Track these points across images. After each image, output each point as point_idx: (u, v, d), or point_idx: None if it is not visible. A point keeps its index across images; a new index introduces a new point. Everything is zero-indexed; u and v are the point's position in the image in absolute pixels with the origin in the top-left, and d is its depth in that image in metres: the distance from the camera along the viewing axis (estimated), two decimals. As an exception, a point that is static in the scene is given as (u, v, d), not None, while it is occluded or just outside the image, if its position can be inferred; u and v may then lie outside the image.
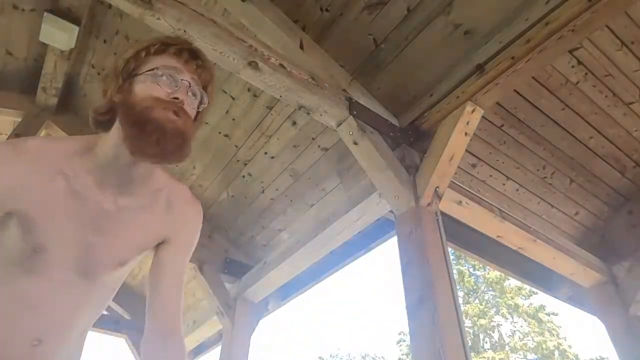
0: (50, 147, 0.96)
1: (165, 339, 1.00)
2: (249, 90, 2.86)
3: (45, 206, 0.91)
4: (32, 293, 0.91)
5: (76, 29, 2.89)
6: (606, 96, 2.70)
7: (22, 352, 0.89)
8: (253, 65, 1.91)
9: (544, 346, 17.42)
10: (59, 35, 2.89)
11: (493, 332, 18.97)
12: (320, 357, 24.13)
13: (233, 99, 2.95)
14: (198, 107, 0.99)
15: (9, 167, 0.90)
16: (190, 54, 0.99)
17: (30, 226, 0.90)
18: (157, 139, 0.87)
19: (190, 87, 0.95)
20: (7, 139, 3.32)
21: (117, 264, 1.01)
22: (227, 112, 3.02)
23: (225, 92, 2.94)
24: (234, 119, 3.04)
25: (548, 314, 18.87)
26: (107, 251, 0.98)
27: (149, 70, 0.94)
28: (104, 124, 0.97)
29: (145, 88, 0.92)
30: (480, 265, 18.64)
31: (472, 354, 17.36)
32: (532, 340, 18.10)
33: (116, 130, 0.94)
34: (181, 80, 0.94)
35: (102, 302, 1.07)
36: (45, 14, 2.80)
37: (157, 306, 1.03)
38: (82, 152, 0.97)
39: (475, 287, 20.09)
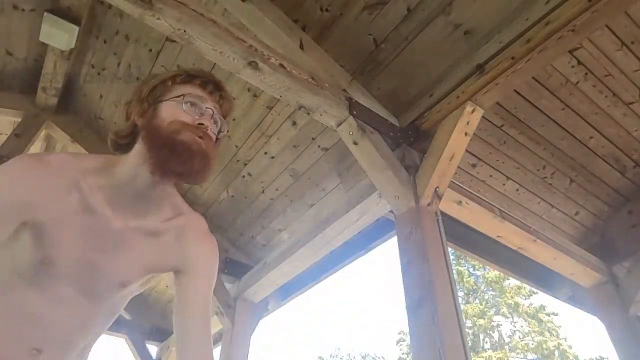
0: (71, 162, 1.00)
1: None
2: (248, 90, 2.86)
3: (58, 219, 0.93)
4: (33, 305, 0.92)
5: (76, 29, 2.89)
6: (606, 96, 2.70)
7: (22, 356, 0.90)
8: (253, 65, 1.91)
9: (544, 346, 17.42)
10: (59, 35, 2.89)
11: (493, 332, 18.98)
12: (320, 357, 24.15)
13: (233, 99, 2.94)
14: (218, 134, 1.08)
15: (33, 179, 0.93)
16: (215, 86, 1.07)
17: (42, 238, 0.91)
18: (185, 158, 0.94)
19: (213, 115, 1.04)
20: (7, 139, 3.31)
21: (119, 284, 1.02)
22: (227, 112, 3.02)
23: (225, 92, 2.94)
24: (234, 119, 3.04)
25: (548, 314, 18.88)
26: (110, 270, 0.99)
27: (177, 97, 1.01)
28: (123, 147, 1.03)
29: (172, 113, 0.99)
30: (480, 265, 18.65)
31: (472, 353, 17.36)
32: (532, 340, 18.10)
33: (137, 152, 1.00)
34: (206, 108, 1.03)
35: (104, 322, 1.06)
36: (45, 14, 2.80)
37: (191, 352, 1.01)
38: (100, 170, 1.00)
39: (475, 287, 20.10)
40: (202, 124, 0.99)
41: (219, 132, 1.08)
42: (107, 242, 0.98)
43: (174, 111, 0.99)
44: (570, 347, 17.85)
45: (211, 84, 1.07)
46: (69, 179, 0.96)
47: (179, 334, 1.04)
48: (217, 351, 3.76)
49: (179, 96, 1.01)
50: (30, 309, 0.92)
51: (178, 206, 1.11)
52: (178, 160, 0.94)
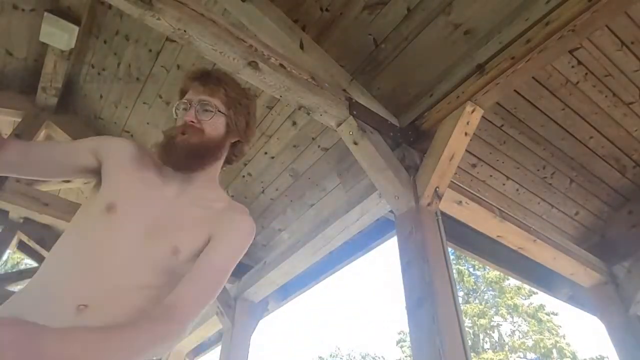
0: (142, 151, 1.21)
1: (155, 316, 0.92)
2: (248, 90, 2.86)
3: (123, 174, 1.12)
4: (87, 253, 0.98)
5: (76, 28, 2.89)
6: (606, 96, 2.71)
7: (68, 312, 0.90)
8: (253, 65, 1.91)
9: (541, 344, 17.43)
10: (59, 35, 2.89)
11: (493, 332, 18.97)
12: (320, 357, 24.14)
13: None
14: (225, 114, 1.21)
15: (103, 141, 1.20)
16: (201, 81, 1.21)
17: (108, 184, 1.10)
18: (168, 152, 1.12)
19: (199, 105, 1.17)
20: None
21: (171, 249, 1.05)
22: (227, 112, 3.02)
23: (225, 92, 2.94)
24: (233, 119, 3.03)
25: (548, 314, 18.88)
26: (163, 230, 1.07)
27: (174, 111, 1.22)
28: None
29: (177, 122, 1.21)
30: (480, 265, 18.65)
31: (472, 353, 17.36)
32: (531, 339, 18.10)
33: None
34: (191, 105, 1.18)
35: (157, 288, 1.00)
36: (46, 14, 2.80)
37: (179, 287, 0.98)
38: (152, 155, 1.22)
39: (475, 287, 20.10)
40: (186, 121, 1.15)
41: (219, 112, 1.19)
42: (160, 205, 1.11)
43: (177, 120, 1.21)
44: (568, 344, 17.85)
45: (196, 80, 1.21)
46: (130, 153, 1.17)
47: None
48: (217, 351, 3.76)
49: (176, 106, 1.22)
50: (83, 257, 0.97)
51: (223, 196, 1.25)
52: (165, 155, 1.13)
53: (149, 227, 1.05)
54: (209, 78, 1.22)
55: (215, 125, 1.18)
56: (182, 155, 1.12)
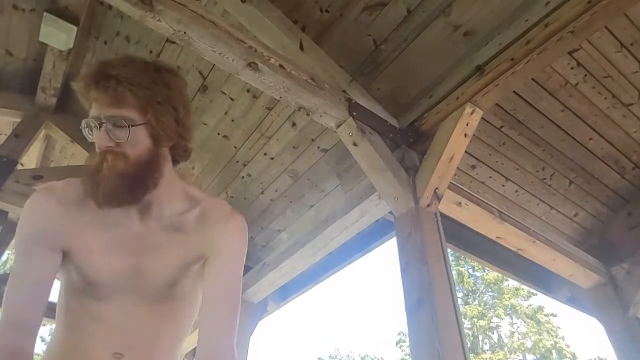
0: (73, 184, 1.01)
1: None
2: (248, 91, 2.86)
3: (82, 241, 0.96)
4: (104, 314, 0.97)
5: (74, 29, 2.89)
6: (605, 98, 2.71)
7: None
8: (253, 66, 1.91)
9: (540, 345, 17.43)
10: (57, 35, 2.89)
11: (492, 333, 18.98)
12: (319, 358, 24.11)
13: (232, 100, 2.95)
14: (143, 123, 0.95)
15: (47, 211, 0.97)
16: (97, 87, 0.92)
17: (77, 261, 0.96)
18: (101, 191, 0.93)
19: (107, 122, 0.93)
20: (7, 139, 3.30)
21: (165, 284, 1.01)
22: (226, 113, 3.02)
23: (225, 93, 2.94)
24: (233, 120, 3.04)
25: (547, 315, 18.89)
26: (151, 272, 1.00)
27: (84, 128, 0.97)
28: None
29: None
30: (480, 267, 18.65)
31: (471, 355, 17.36)
32: (530, 340, 18.11)
33: None
34: (96, 125, 0.93)
35: (179, 322, 1.06)
36: (45, 14, 2.80)
37: (207, 327, 0.97)
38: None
39: (474, 288, 20.10)
40: (99, 147, 0.94)
41: (142, 120, 0.94)
42: (135, 246, 0.99)
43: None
44: (567, 346, 17.86)
45: (90, 87, 0.93)
46: (76, 199, 0.98)
47: (200, 313, 1.02)
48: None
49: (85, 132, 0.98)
50: (104, 317, 0.97)
51: (192, 196, 1.08)
52: (103, 196, 0.93)
53: (137, 282, 0.98)
54: (105, 80, 0.91)
55: (136, 142, 0.94)
56: (116, 191, 0.92)
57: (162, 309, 1.02)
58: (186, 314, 1.08)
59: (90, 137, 0.95)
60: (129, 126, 0.92)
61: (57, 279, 0.99)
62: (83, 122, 0.95)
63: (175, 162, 1.07)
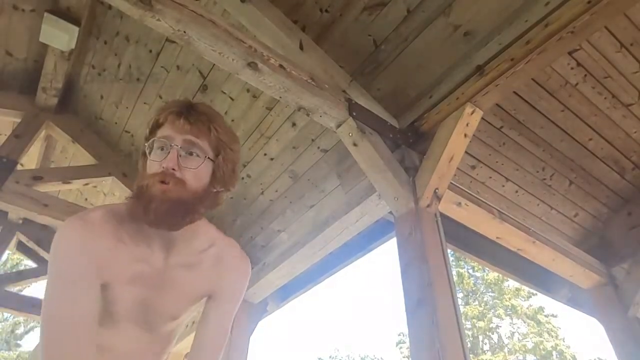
0: (109, 217, 1.00)
1: None
2: (248, 91, 2.86)
3: (115, 273, 0.98)
4: (112, 341, 1.02)
5: (76, 29, 2.89)
6: (605, 98, 2.71)
7: None
8: (252, 66, 1.91)
9: (541, 347, 17.42)
10: (59, 35, 2.89)
11: (492, 334, 18.97)
12: (319, 359, 24.10)
13: (232, 99, 2.95)
14: (214, 160, 1.03)
15: (90, 245, 0.95)
16: (187, 116, 0.99)
17: (105, 292, 0.98)
18: (144, 208, 0.94)
19: (182, 147, 0.98)
20: (7, 139, 3.30)
21: (170, 318, 1.08)
22: (226, 113, 3.02)
23: (224, 93, 2.94)
24: (233, 120, 3.03)
25: (547, 316, 18.88)
26: (160, 307, 1.05)
27: (147, 147, 1.01)
28: None
29: (148, 165, 1.00)
30: (480, 267, 18.64)
31: (471, 355, 17.35)
32: (531, 341, 18.10)
33: None
34: (171, 146, 0.97)
35: (165, 348, 1.14)
36: (46, 14, 2.80)
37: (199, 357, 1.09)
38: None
39: (474, 289, 20.09)
40: (166, 168, 0.95)
41: (208, 158, 1.01)
42: (154, 282, 1.02)
43: (148, 162, 1.00)
44: (568, 347, 17.85)
45: (179, 114, 1.00)
46: (112, 234, 0.98)
47: (194, 341, 1.11)
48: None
49: (149, 145, 1.00)
50: (112, 345, 1.02)
51: (211, 235, 1.14)
52: (139, 211, 0.94)
53: (146, 315, 1.04)
54: (196, 114, 1.00)
55: (200, 175, 1.00)
56: (161, 214, 0.94)
57: (161, 336, 1.10)
58: (176, 334, 1.17)
59: (155, 154, 0.98)
60: (205, 157, 0.99)
61: None
62: (155, 138, 0.99)
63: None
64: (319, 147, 2.92)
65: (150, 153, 0.99)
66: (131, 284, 0.99)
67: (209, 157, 1.01)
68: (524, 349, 17.86)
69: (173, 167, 0.95)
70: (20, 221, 4.42)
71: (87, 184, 3.71)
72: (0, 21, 2.97)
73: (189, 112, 1.00)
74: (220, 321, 1.14)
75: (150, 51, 3.01)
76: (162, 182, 0.94)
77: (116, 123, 3.61)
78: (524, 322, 18.85)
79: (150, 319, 1.05)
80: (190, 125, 0.98)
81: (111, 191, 4.12)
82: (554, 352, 17.47)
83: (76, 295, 0.89)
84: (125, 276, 0.99)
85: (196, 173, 0.98)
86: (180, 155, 0.97)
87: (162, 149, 0.98)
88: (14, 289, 4.88)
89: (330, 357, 24.52)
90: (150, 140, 1.00)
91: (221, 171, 1.04)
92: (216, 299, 1.13)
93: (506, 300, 19.02)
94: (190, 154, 0.98)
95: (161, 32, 1.75)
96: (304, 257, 3.00)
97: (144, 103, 3.33)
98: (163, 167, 0.95)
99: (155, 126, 1.02)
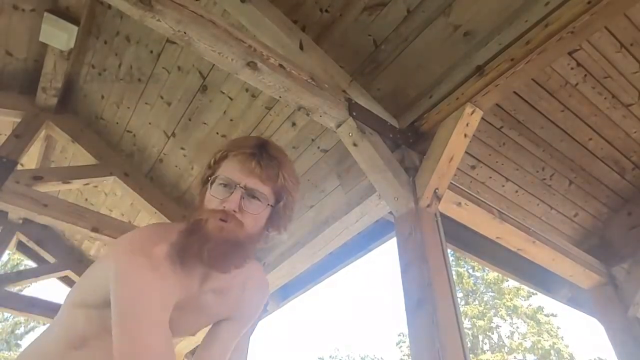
0: (169, 251, 0.96)
1: None
2: (247, 90, 2.86)
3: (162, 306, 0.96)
4: None
5: (75, 29, 2.88)
6: (605, 98, 2.71)
7: None
8: (252, 65, 1.90)
9: (538, 346, 17.43)
10: (58, 35, 2.88)
11: (492, 334, 18.97)
12: (319, 358, 24.11)
13: (231, 99, 2.95)
14: (274, 204, 1.01)
15: (157, 290, 0.90)
16: (258, 160, 0.98)
17: None
18: (199, 245, 0.92)
19: (245, 191, 0.96)
20: (7, 139, 3.30)
21: (188, 334, 1.13)
22: (225, 112, 3.02)
23: (223, 93, 2.94)
24: (231, 120, 3.03)
25: (547, 315, 18.88)
26: (184, 326, 1.06)
27: (211, 180, 0.99)
28: None
29: (207, 198, 0.98)
30: (480, 267, 18.65)
31: (471, 355, 17.35)
32: (530, 340, 18.11)
33: None
34: (236, 186, 0.96)
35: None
36: (45, 14, 2.80)
37: None
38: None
39: (474, 289, 20.10)
40: (228, 209, 0.94)
41: (274, 203, 1.00)
42: (185, 305, 1.01)
43: (208, 196, 0.98)
44: (566, 346, 17.86)
45: (252, 156, 0.98)
46: (171, 268, 0.95)
47: (200, 350, 1.15)
48: (216, 352, 3.73)
49: (213, 178, 0.99)
50: None
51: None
52: (197, 250, 0.92)
53: (178, 331, 1.05)
54: (268, 158, 0.99)
55: (258, 219, 0.99)
56: (216, 256, 0.93)
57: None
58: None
59: (217, 190, 0.97)
60: (268, 204, 0.99)
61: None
62: (221, 175, 0.98)
63: None
64: (319, 147, 2.92)
65: (211, 185, 0.98)
66: (176, 319, 1.00)
67: (270, 204, 1.00)
68: (521, 348, 17.87)
69: (235, 209, 0.94)
70: (20, 221, 4.42)
71: (87, 184, 3.71)
72: (0, 21, 2.97)
73: (261, 156, 0.99)
74: (232, 341, 1.17)
75: (151, 52, 3.01)
76: (222, 220, 0.94)
77: (117, 123, 3.61)
78: (524, 322, 18.85)
79: (180, 336, 1.10)
80: (261, 169, 0.97)
81: (112, 191, 4.12)
82: (552, 351, 17.48)
83: (160, 330, 0.87)
84: (173, 305, 0.98)
85: (256, 217, 0.98)
86: (242, 198, 0.96)
87: (225, 186, 0.97)
88: (14, 289, 4.88)
89: (330, 356, 24.54)
90: (215, 176, 0.99)
91: (279, 217, 1.04)
92: (232, 319, 1.15)
93: (507, 300, 19.03)
94: (253, 197, 0.97)
95: (161, 32, 1.75)
96: (304, 257, 3.00)
97: (146, 103, 3.34)
98: (223, 207, 0.94)
99: (223, 158, 1.01)
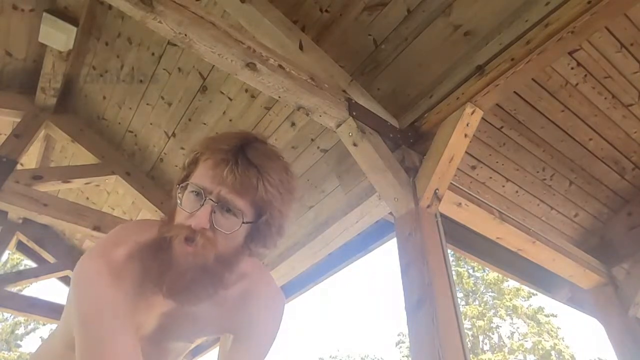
0: (134, 252, 0.86)
1: None
2: (246, 91, 2.86)
3: (137, 310, 0.88)
4: None
5: (74, 29, 2.88)
6: (605, 98, 2.71)
7: None
8: (251, 66, 1.90)
9: (539, 346, 17.44)
10: (57, 36, 2.88)
11: (492, 334, 18.97)
12: (320, 358, 24.12)
13: (230, 99, 2.94)
14: (254, 220, 0.86)
15: (112, 293, 0.80)
16: (234, 166, 0.81)
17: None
18: (158, 276, 0.82)
19: (217, 204, 0.81)
20: (7, 139, 3.30)
21: (186, 341, 1.09)
22: (224, 113, 3.02)
23: (223, 93, 2.94)
24: (231, 120, 3.03)
25: (547, 316, 18.89)
26: (178, 333, 1.02)
27: (181, 187, 0.85)
28: None
29: (178, 210, 0.85)
30: (480, 267, 18.65)
31: (472, 355, 17.35)
32: (530, 341, 18.11)
33: None
34: (207, 198, 0.81)
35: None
36: (45, 14, 2.80)
37: None
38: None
39: (474, 289, 20.10)
40: (193, 225, 0.79)
41: (253, 219, 0.84)
42: (174, 313, 0.94)
43: (178, 208, 0.84)
44: (567, 347, 17.86)
45: (224, 162, 0.81)
46: (137, 270, 0.85)
47: None
48: (215, 352, 3.75)
49: (183, 186, 0.85)
50: None
51: (243, 270, 1.00)
52: (156, 278, 0.82)
53: (162, 336, 0.99)
54: (246, 164, 0.81)
55: (233, 238, 0.84)
56: (176, 290, 0.81)
57: (170, 350, 1.09)
58: (188, 348, 1.18)
59: (188, 199, 0.83)
60: (243, 222, 0.82)
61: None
62: (184, 184, 0.84)
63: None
64: (318, 147, 2.91)
65: (182, 195, 0.84)
66: (155, 316, 0.94)
67: (245, 222, 0.83)
68: (522, 349, 17.87)
69: (204, 226, 0.79)
70: (20, 221, 4.43)
71: (88, 183, 3.71)
72: (0, 21, 2.97)
73: (236, 161, 0.81)
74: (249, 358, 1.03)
75: (153, 54, 3.01)
76: (187, 239, 0.80)
77: (120, 123, 3.61)
78: (524, 322, 18.86)
79: (167, 344, 1.04)
80: (235, 178, 0.80)
81: (114, 189, 4.12)
82: (552, 352, 17.48)
83: (121, 332, 0.78)
84: (149, 312, 0.92)
85: (230, 237, 0.82)
86: (214, 212, 0.81)
87: (197, 195, 0.82)
88: (14, 289, 4.88)
89: (330, 356, 24.54)
90: (183, 184, 0.84)
91: (261, 234, 0.88)
92: (243, 341, 1.02)
93: (507, 301, 19.03)
94: (228, 210, 0.82)
95: (163, 34, 1.75)
96: (304, 257, 3.00)
97: (147, 104, 3.34)
98: (189, 224, 0.80)
99: (196, 161, 0.86)
